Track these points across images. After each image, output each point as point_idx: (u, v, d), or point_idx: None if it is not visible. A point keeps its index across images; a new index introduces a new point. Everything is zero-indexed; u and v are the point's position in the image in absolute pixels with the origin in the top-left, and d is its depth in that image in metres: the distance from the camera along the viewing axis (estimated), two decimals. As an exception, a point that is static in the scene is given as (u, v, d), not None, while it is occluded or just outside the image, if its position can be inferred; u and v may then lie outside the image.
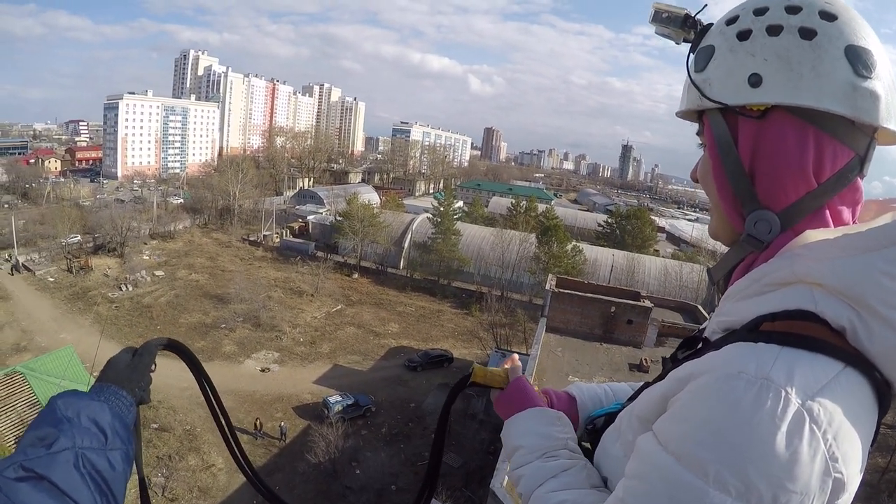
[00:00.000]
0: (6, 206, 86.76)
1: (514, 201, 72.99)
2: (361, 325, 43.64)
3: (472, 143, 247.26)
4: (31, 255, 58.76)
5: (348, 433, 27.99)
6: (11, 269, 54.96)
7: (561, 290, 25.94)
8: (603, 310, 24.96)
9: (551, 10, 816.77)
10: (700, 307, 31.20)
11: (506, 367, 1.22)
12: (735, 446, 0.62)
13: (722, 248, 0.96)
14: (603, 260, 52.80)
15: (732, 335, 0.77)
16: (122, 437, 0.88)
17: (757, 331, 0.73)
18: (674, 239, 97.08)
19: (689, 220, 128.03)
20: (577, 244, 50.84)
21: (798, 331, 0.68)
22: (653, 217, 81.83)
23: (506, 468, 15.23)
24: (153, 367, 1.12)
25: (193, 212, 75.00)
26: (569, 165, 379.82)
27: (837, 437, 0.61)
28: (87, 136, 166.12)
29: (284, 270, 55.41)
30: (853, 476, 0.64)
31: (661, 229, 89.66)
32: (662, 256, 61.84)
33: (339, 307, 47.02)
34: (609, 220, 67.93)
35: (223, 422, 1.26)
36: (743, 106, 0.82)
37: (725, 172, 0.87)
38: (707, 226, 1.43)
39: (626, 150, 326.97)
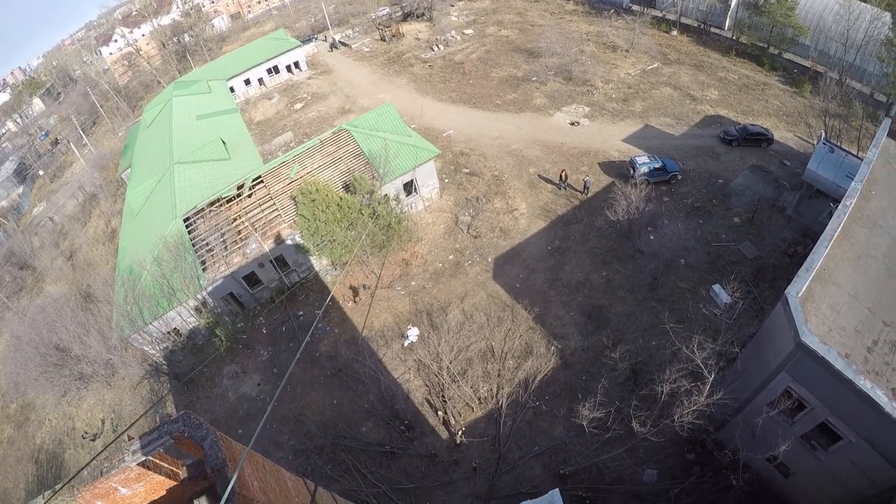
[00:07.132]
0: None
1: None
2: (678, 87, 41.21)
3: None
4: (346, 33, 68.14)
5: (650, 197, 27.76)
6: (330, 47, 65.06)
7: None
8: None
9: None
10: None
11: None
12: None
13: None
14: None
15: None
16: None
17: None
18: None
19: None
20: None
21: None
22: None
23: (807, 276, 13.36)
24: None
25: (499, -31, 75.20)
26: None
27: None
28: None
29: (597, 24, 53.70)
30: None
31: None
32: None
33: (655, 65, 44.63)
34: None
35: None
36: None
37: None
38: None
39: None
